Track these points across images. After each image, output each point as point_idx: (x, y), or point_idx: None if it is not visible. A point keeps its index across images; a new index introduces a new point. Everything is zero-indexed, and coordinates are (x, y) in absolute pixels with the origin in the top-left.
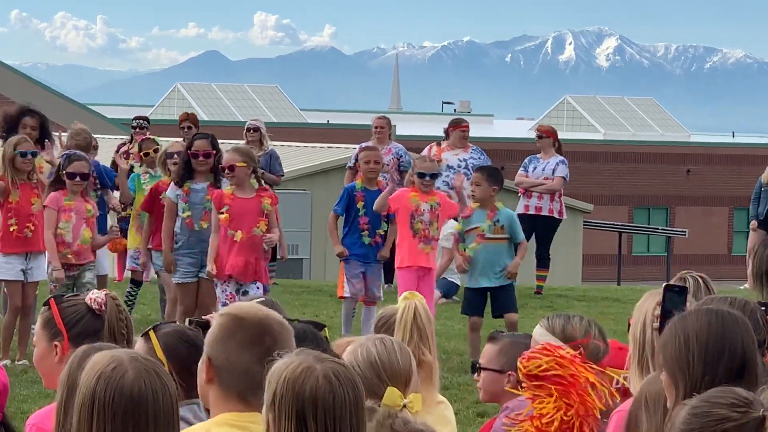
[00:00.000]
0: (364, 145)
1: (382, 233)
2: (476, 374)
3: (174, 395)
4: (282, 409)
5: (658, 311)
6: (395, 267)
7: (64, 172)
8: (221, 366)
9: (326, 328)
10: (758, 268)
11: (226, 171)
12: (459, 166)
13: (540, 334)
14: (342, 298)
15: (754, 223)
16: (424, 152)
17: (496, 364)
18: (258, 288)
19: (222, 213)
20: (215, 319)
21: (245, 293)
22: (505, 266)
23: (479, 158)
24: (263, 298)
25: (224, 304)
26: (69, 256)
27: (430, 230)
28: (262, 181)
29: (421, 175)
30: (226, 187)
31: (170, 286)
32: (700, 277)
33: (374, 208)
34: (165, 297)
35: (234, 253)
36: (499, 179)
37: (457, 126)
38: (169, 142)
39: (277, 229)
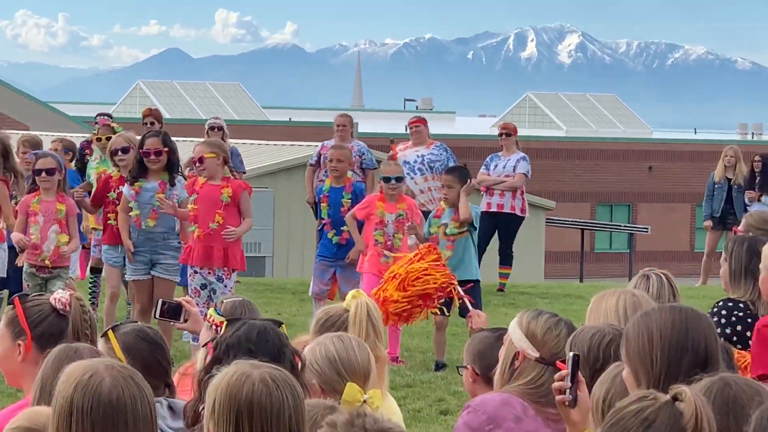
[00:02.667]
0: (328, 143)
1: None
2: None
3: (151, 401)
4: (220, 415)
5: (564, 384)
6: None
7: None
8: None
9: (283, 325)
10: (737, 265)
11: (197, 164)
12: (416, 162)
13: (512, 328)
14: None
15: (708, 222)
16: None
17: (465, 360)
18: (225, 287)
19: (189, 203)
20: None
21: (213, 292)
22: (470, 261)
23: (440, 155)
24: (239, 298)
25: (194, 290)
26: (47, 261)
27: (393, 241)
28: (234, 173)
29: (386, 180)
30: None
31: (110, 281)
32: (663, 274)
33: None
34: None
35: (198, 241)
36: (468, 177)
37: (409, 123)
38: (114, 137)
39: (249, 220)
